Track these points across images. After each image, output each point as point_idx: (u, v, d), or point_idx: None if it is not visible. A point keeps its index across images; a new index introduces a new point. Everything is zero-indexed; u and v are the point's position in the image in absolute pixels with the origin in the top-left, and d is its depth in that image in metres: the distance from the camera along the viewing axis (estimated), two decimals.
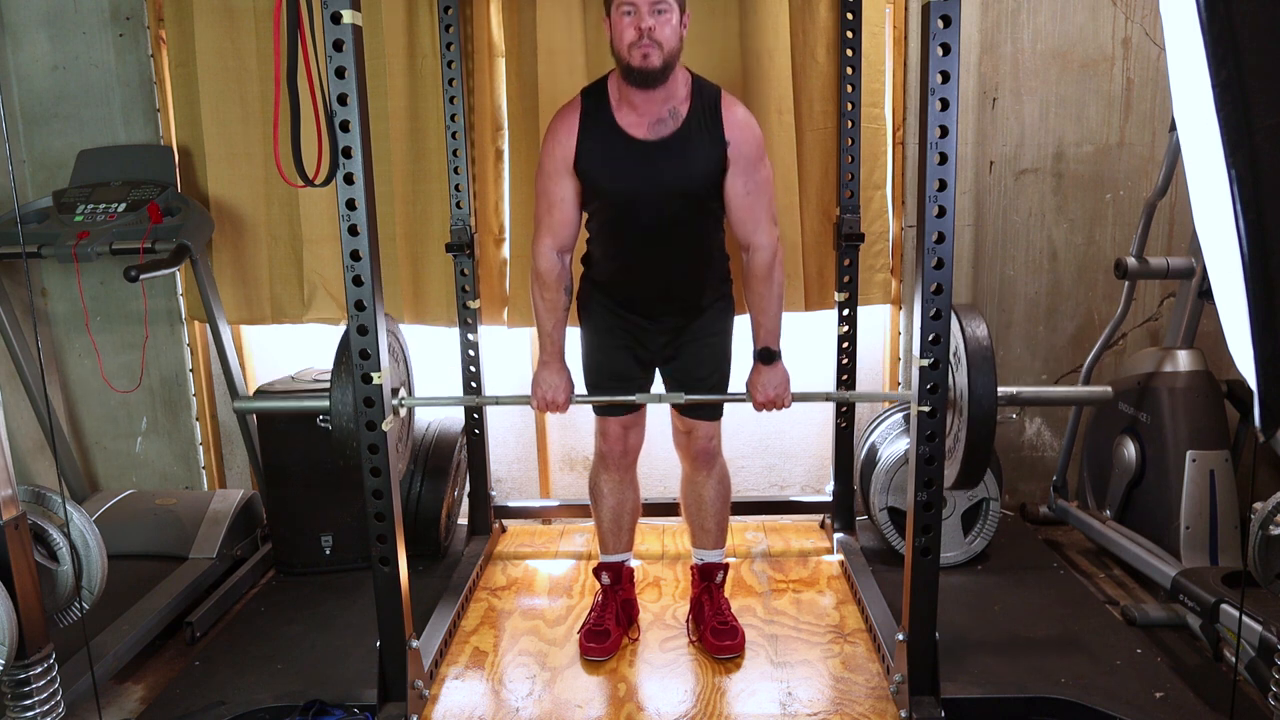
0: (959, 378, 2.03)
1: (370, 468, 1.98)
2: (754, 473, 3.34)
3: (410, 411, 2.30)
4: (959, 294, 3.13)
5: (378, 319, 1.91)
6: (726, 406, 2.42)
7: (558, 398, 2.26)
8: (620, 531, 2.50)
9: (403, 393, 2.16)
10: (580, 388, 2.36)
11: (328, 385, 2.76)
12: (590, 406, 2.42)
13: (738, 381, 2.38)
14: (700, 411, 2.37)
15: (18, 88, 3.09)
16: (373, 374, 1.92)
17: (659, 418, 2.53)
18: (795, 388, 2.87)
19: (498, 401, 2.50)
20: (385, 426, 1.95)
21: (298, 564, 2.87)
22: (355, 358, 1.92)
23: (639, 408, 2.41)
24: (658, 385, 2.47)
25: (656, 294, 2.30)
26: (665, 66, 2.03)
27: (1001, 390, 1.98)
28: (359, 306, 1.89)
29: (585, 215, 2.27)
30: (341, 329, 2.05)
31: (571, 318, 2.33)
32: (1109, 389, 2.12)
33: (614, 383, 2.35)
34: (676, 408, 2.41)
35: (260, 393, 2.82)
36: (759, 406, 2.25)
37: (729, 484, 2.50)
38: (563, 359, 2.29)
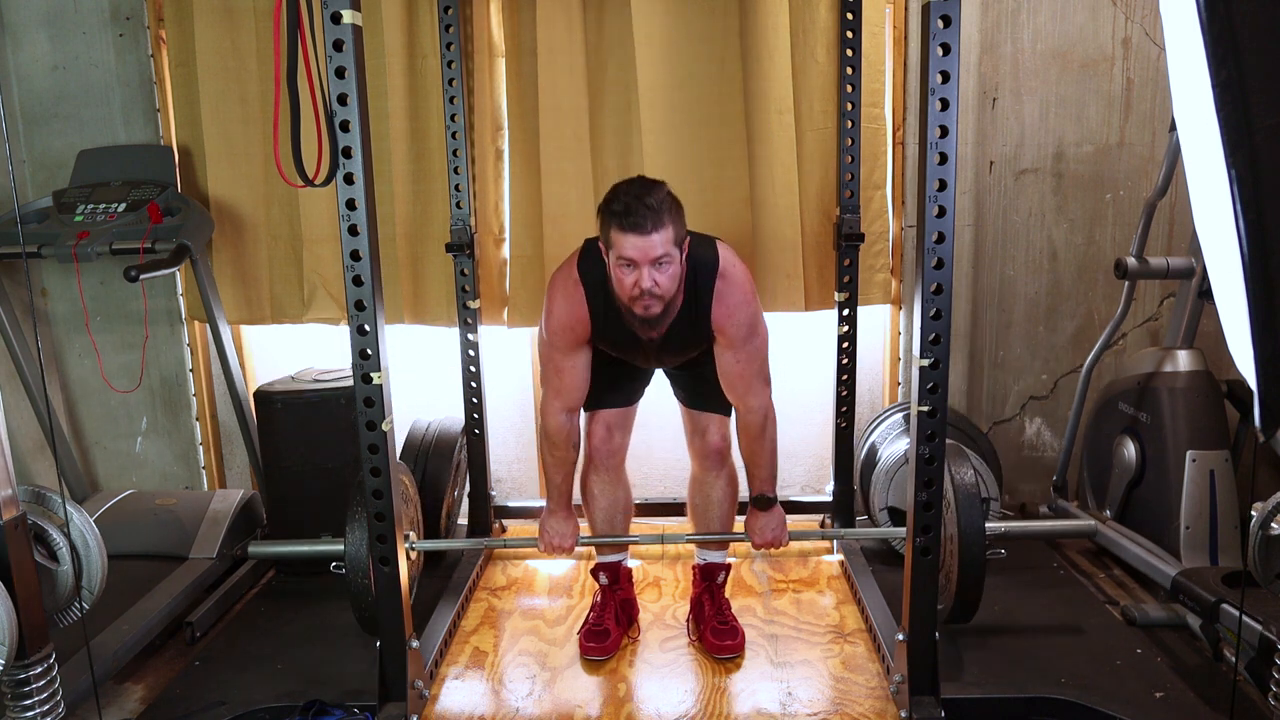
0: (948, 520, 2.14)
1: (370, 468, 1.98)
2: None
3: (420, 554, 2.47)
4: (959, 294, 3.13)
5: (378, 319, 1.91)
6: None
7: (565, 544, 2.36)
8: (614, 530, 2.50)
9: (412, 536, 2.28)
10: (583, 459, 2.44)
11: (328, 385, 2.80)
12: (584, 399, 2.42)
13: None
14: (710, 405, 2.39)
15: (18, 88, 3.10)
16: (372, 374, 1.92)
17: (659, 416, 2.53)
18: (795, 387, 2.89)
19: (505, 544, 2.75)
20: (385, 427, 1.95)
21: (298, 564, 2.87)
22: (355, 357, 1.92)
23: (628, 406, 2.44)
24: (659, 384, 2.48)
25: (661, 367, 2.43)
26: (666, 310, 2.06)
27: (989, 528, 2.11)
28: (359, 306, 1.89)
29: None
30: (343, 330, 2.06)
31: None
32: (1094, 523, 2.19)
33: (606, 379, 2.36)
34: (686, 405, 2.44)
35: (260, 393, 2.82)
36: (757, 548, 2.38)
37: (737, 484, 2.50)
38: (570, 507, 2.39)
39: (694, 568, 2.54)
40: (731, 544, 2.56)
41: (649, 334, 2.13)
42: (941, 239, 1.84)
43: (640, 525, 2.67)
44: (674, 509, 3.02)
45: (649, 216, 1.96)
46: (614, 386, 2.40)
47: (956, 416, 3.12)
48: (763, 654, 2.38)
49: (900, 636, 2.06)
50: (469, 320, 2.96)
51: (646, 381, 2.46)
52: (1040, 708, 2.07)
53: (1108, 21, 3.03)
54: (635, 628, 2.52)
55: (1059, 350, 3.25)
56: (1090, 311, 3.21)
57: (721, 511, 2.47)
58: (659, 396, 2.48)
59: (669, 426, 2.53)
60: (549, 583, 2.85)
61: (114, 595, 2.27)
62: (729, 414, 2.42)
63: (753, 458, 2.30)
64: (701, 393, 2.39)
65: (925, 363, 1.90)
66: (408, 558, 2.13)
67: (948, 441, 2.00)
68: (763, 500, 2.33)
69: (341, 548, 2.21)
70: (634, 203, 1.97)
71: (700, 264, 2.13)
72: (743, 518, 2.43)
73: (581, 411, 2.41)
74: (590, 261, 2.15)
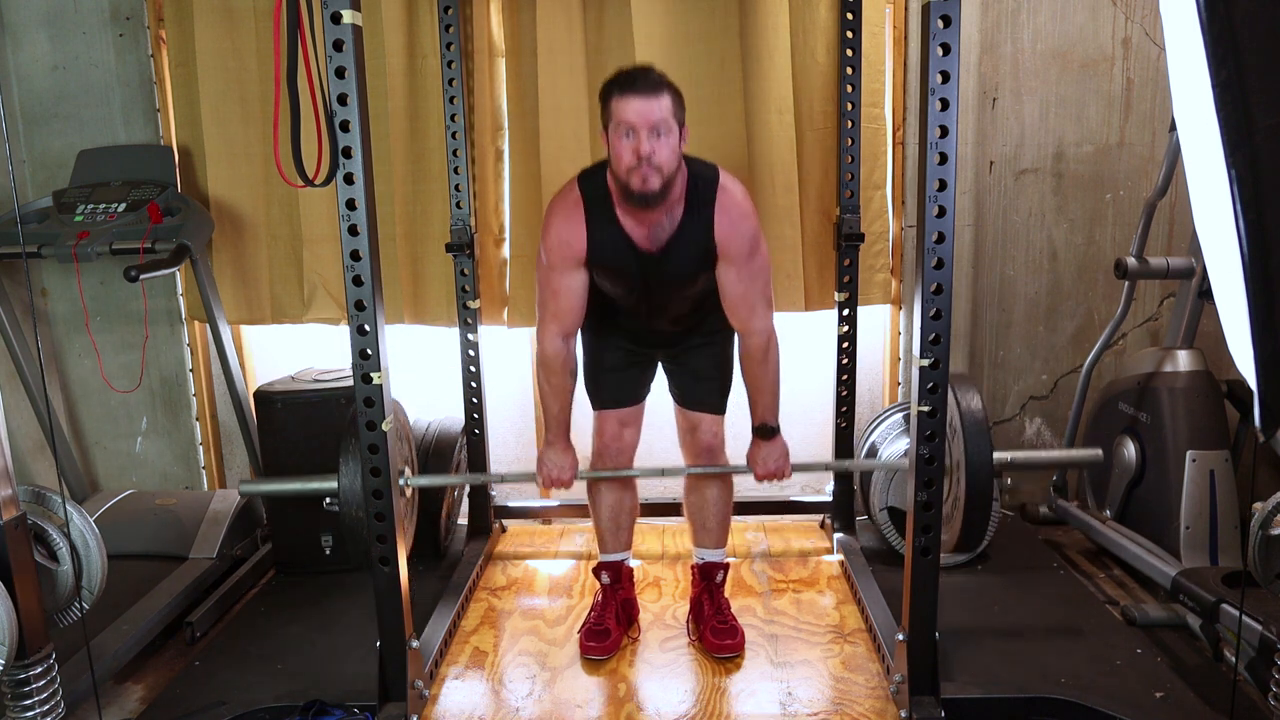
0: (955, 448, 2.08)
1: (370, 468, 1.98)
2: None
3: (415, 491, 2.35)
4: (959, 294, 3.13)
5: (378, 319, 1.91)
6: (728, 405, 2.43)
7: (563, 476, 2.31)
8: (619, 530, 2.51)
9: (407, 471, 2.20)
10: (585, 464, 2.41)
11: (328, 385, 2.80)
12: (589, 401, 2.44)
13: (740, 411, 2.41)
14: (704, 404, 2.39)
15: (18, 88, 3.10)
16: (372, 374, 1.92)
17: (659, 416, 2.53)
18: (795, 387, 2.88)
19: (504, 479, 2.58)
20: (385, 427, 1.96)
21: (298, 564, 2.87)
22: (355, 357, 1.92)
23: (637, 405, 2.43)
24: (659, 385, 2.48)
25: (659, 333, 2.36)
26: (664, 188, 2.02)
27: (997, 457, 2.03)
28: (359, 306, 1.89)
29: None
30: (343, 330, 2.06)
31: None
32: (1099, 451, 2.16)
33: (613, 375, 2.39)
34: (680, 403, 2.44)
35: (260, 393, 2.82)
36: (760, 479, 2.32)
37: (732, 482, 2.50)
38: (568, 439, 2.33)
39: (692, 567, 2.54)
40: (730, 543, 2.57)
41: (646, 239, 2.11)
42: (941, 239, 1.84)
43: (640, 525, 2.67)
44: (674, 509, 3.02)
45: (649, 82, 1.99)
46: (619, 383, 2.40)
47: None
48: (763, 654, 2.38)
49: (900, 636, 2.06)
50: (469, 320, 2.96)
51: (651, 375, 2.45)
52: (1040, 708, 2.07)
53: (1108, 21, 3.03)
54: (635, 628, 2.52)
55: (1059, 350, 3.25)
56: (1090, 311, 3.21)
57: (718, 510, 2.47)
58: (659, 396, 2.48)
59: (670, 426, 2.53)
60: (549, 583, 2.85)
61: (114, 595, 2.27)
62: (722, 413, 2.42)
63: (755, 384, 2.26)
64: (696, 390, 2.40)
65: (925, 363, 1.90)
66: (402, 494, 2.09)
67: (954, 371, 1.98)
68: (765, 430, 2.28)
69: (334, 484, 2.09)
70: (634, 71, 2.02)
71: (700, 176, 2.12)
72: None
73: (594, 415, 2.42)
74: (592, 178, 2.15)
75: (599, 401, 2.43)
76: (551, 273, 2.18)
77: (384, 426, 1.95)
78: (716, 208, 2.11)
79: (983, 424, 2.04)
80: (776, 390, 2.27)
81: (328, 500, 2.12)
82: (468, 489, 3.14)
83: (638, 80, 1.99)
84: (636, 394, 2.44)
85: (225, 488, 3.37)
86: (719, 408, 2.42)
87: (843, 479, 3.04)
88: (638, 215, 2.09)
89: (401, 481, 2.12)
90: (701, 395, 2.40)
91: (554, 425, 2.31)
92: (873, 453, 2.96)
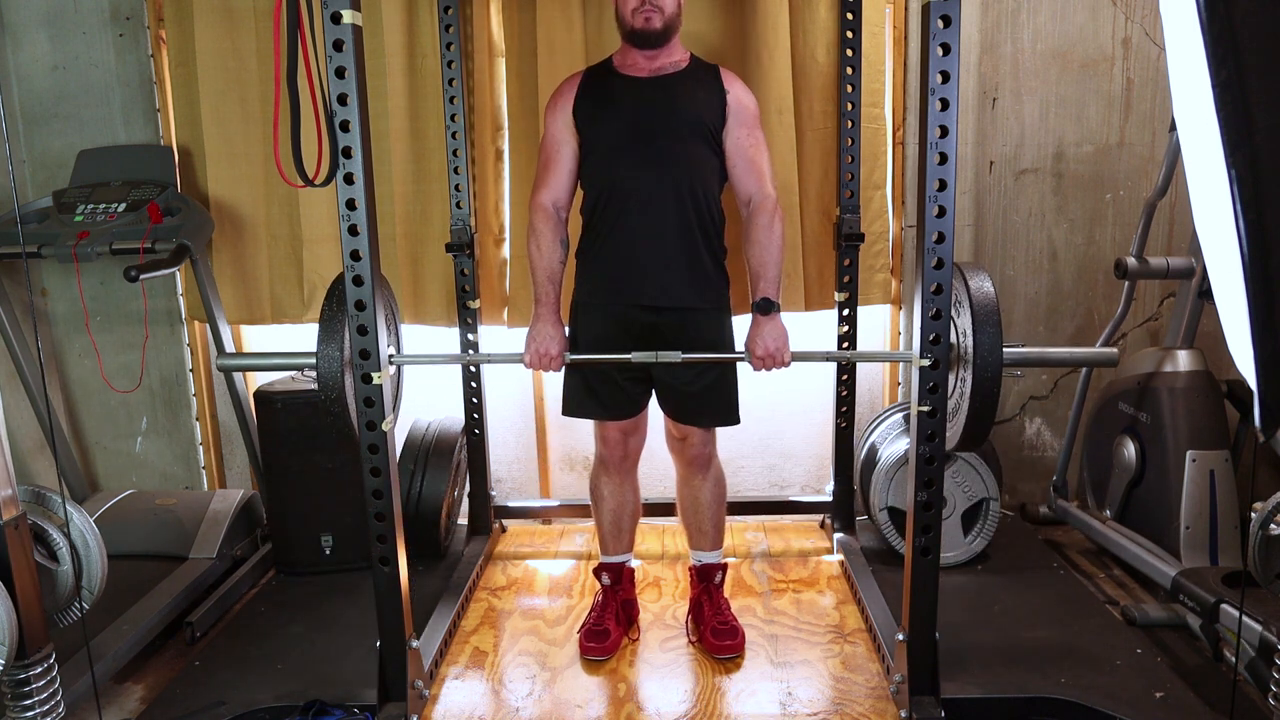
0: (963, 327, 1.95)
1: (370, 468, 1.98)
2: (754, 473, 3.34)
3: (399, 369, 2.22)
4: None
5: (378, 319, 1.91)
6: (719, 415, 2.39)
7: (551, 349, 2.18)
8: (620, 533, 2.50)
9: (393, 350, 2.10)
10: (586, 439, 2.35)
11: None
12: (570, 195, 2.35)
13: (743, 389, 2.39)
14: (695, 419, 2.35)
15: (18, 88, 3.09)
16: (372, 374, 1.92)
17: (660, 417, 2.52)
18: (795, 387, 2.86)
19: (489, 359, 2.53)
20: (385, 427, 1.95)
21: (298, 564, 2.87)
22: (355, 358, 1.92)
23: (638, 414, 2.39)
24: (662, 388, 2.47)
25: (655, 259, 2.22)
26: (666, 29, 2.18)
27: (1007, 351, 1.92)
28: (359, 306, 1.89)
29: (582, 195, 2.31)
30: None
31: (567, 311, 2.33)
32: (1114, 351, 2.08)
33: (608, 390, 2.33)
34: (671, 417, 2.38)
35: (260, 393, 2.82)
36: (758, 363, 2.16)
37: (725, 485, 2.49)
38: (557, 313, 2.24)
39: (690, 569, 2.54)
40: (726, 544, 2.56)
41: (649, 71, 2.23)
42: (941, 239, 1.84)
43: (640, 525, 2.66)
44: (674, 509, 3.01)
45: None
46: (616, 398, 2.33)
47: None
48: (763, 654, 2.38)
49: (900, 636, 2.06)
50: (469, 320, 2.96)
51: (648, 390, 2.37)
52: (1040, 708, 2.07)
53: (1108, 21, 3.03)
54: (635, 628, 2.52)
55: None
56: (1090, 311, 3.21)
57: (712, 512, 2.46)
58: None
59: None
60: (549, 583, 2.85)
61: (114, 595, 2.27)
62: (712, 428, 2.39)
63: (761, 256, 2.19)
64: (687, 407, 2.33)
65: (925, 363, 1.90)
66: (387, 372, 2.00)
67: (962, 262, 1.94)
68: (766, 304, 2.17)
69: (313, 360, 1.96)
70: None
71: (703, 61, 2.31)
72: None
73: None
74: (596, 64, 2.35)
75: (600, 414, 2.37)
76: (545, 138, 2.30)
77: (384, 427, 1.95)
78: (722, 72, 2.28)
79: (993, 312, 1.91)
80: (779, 263, 2.23)
81: (305, 370, 2.07)
82: (468, 489, 3.14)
83: None
84: (634, 407, 2.37)
85: (225, 488, 3.37)
86: (709, 423, 2.38)
87: (843, 479, 3.04)
88: (641, 61, 2.24)
89: (386, 357, 1.98)
90: (692, 409, 2.33)
91: (542, 295, 2.23)
92: (873, 453, 2.96)
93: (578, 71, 2.34)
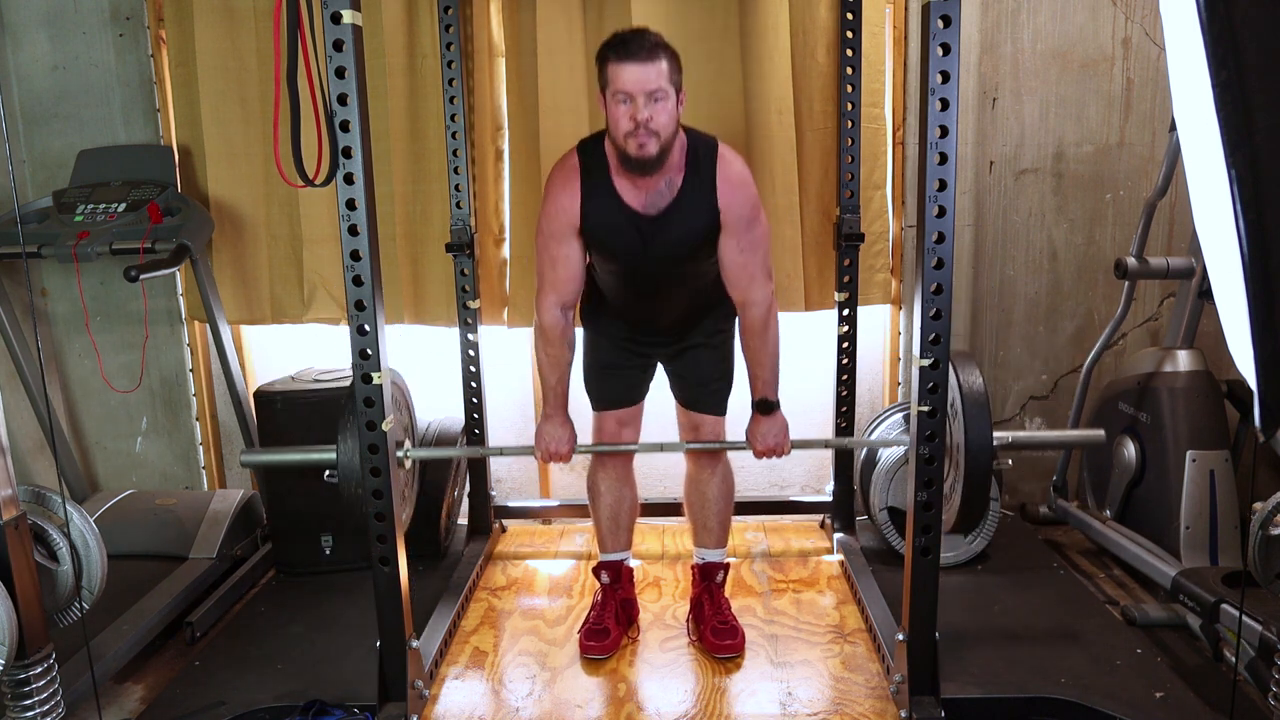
0: (955, 429, 2.04)
1: (370, 468, 1.98)
2: (754, 473, 3.34)
3: (416, 463, 2.32)
4: (959, 294, 3.13)
5: (378, 319, 1.91)
6: (730, 398, 2.44)
7: (561, 449, 2.27)
8: (619, 530, 2.50)
9: (408, 444, 2.18)
10: (585, 436, 2.38)
11: (328, 385, 2.80)
12: (589, 403, 2.44)
13: (740, 388, 2.41)
14: (706, 406, 2.38)
15: (18, 88, 3.10)
16: (372, 374, 1.92)
17: (660, 417, 2.53)
18: (795, 387, 2.86)
19: (502, 453, 2.54)
20: (385, 427, 1.95)
21: (298, 564, 2.87)
22: (355, 357, 1.92)
23: (636, 404, 2.43)
24: (660, 387, 2.48)
25: (658, 327, 2.35)
26: (662, 153, 2.01)
27: (997, 436, 1.99)
28: (359, 306, 1.89)
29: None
30: (343, 330, 2.04)
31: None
32: (1100, 433, 2.14)
33: (611, 375, 2.38)
34: (682, 404, 2.43)
35: (260, 393, 2.81)
36: (759, 455, 2.27)
37: (732, 482, 2.50)
38: (566, 412, 2.30)
39: (693, 568, 2.54)
40: (730, 543, 2.57)
41: (644, 205, 2.09)
42: (941, 239, 1.84)
43: (640, 525, 2.67)
44: (674, 509, 3.02)
45: (645, 47, 1.96)
46: (617, 384, 2.40)
47: None
48: (763, 654, 2.38)
49: (900, 636, 2.06)
50: (469, 320, 2.96)
51: (650, 376, 2.45)
52: (1040, 708, 2.07)
53: (1108, 21, 3.03)
54: (635, 627, 2.52)
55: (1059, 350, 3.25)
56: (1090, 311, 3.21)
57: (718, 509, 2.47)
58: (659, 397, 2.48)
59: (669, 427, 2.53)
60: (549, 583, 2.85)
61: (114, 595, 2.27)
62: (723, 414, 2.42)
63: (755, 358, 2.23)
64: (698, 392, 2.40)
65: (925, 363, 1.90)
66: (401, 466, 2.08)
67: (955, 350, 1.96)
68: (765, 405, 2.25)
69: (333, 456, 2.05)
70: (631, 36, 1.99)
71: (699, 146, 2.11)
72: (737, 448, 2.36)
73: (592, 416, 2.43)
74: (591, 145, 2.14)
75: (597, 402, 2.43)
76: (550, 240, 2.16)
77: (384, 427, 1.95)
78: (717, 176, 2.09)
79: (983, 402, 2.00)
80: (776, 364, 2.25)
81: (328, 473, 2.11)
82: (468, 489, 3.14)
83: (632, 44, 1.97)
84: (635, 395, 2.43)
85: (225, 488, 3.37)
86: (721, 409, 2.41)
87: (843, 479, 3.04)
88: (636, 181, 2.08)
89: (400, 453, 2.09)
90: (703, 397, 2.40)
91: (552, 398, 2.28)
92: (873, 453, 2.96)
93: (572, 164, 2.13)
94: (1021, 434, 2.12)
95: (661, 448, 2.38)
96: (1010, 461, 2.20)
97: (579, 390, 2.38)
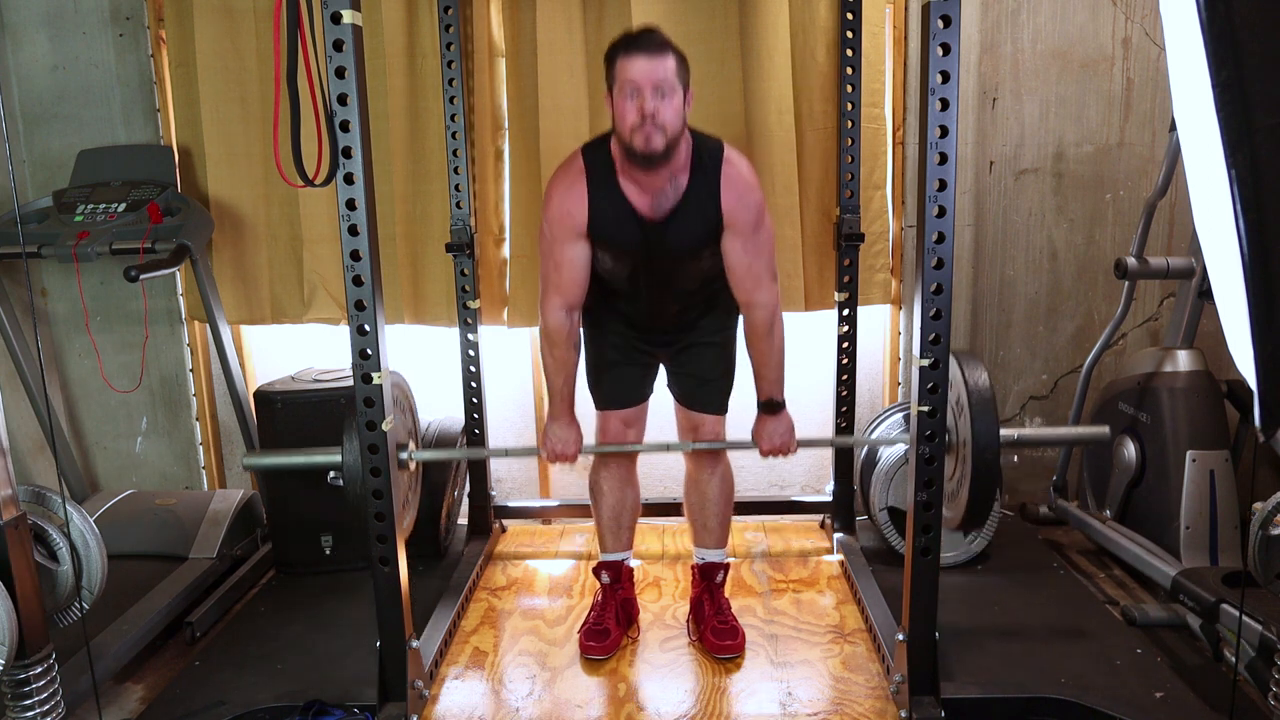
0: (961, 425, 2.03)
1: (370, 468, 1.98)
2: (754, 473, 3.34)
3: (419, 465, 2.31)
4: (959, 294, 3.13)
5: (378, 319, 1.91)
6: (730, 399, 2.44)
7: (567, 450, 2.29)
8: (620, 530, 2.50)
9: (412, 446, 2.18)
10: (589, 437, 2.39)
11: (328, 385, 2.80)
12: (593, 404, 2.44)
13: (740, 391, 2.40)
14: (706, 405, 2.38)
15: (18, 88, 3.10)
16: (372, 374, 1.92)
17: (660, 417, 2.53)
18: (795, 387, 2.86)
19: (507, 454, 2.53)
20: (385, 427, 1.96)
21: (298, 564, 2.87)
22: (355, 357, 1.92)
23: (640, 404, 2.43)
24: (660, 387, 2.48)
25: (661, 325, 2.36)
26: (668, 148, 2.01)
27: (1003, 434, 1.98)
28: (359, 306, 1.89)
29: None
30: (343, 330, 2.04)
31: None
32: (1105, 429, 2.13)
33: (615, 374, 2.38)
34: (682, 403, 2.43)
35: (260, 393, 2.81)
36: (765, 454, 2.30)
37: (732, 482, 2.50)
38: (572, 413, 2.31)
39: (693, 568, 2.54)
40: (730, 543, 2.57)
41: (650, 207, 2.10)
42: (941, 239, 1.84)
43: (640, 525, 2.66)
44: (674, 509, 3.01)
45: (653, 42, 2.00)
46: (621, 383, 2.39)
47: None
48: (763, 654, 2.38)
49: (900, 636, 2.06)
50: (469, 320, 2.96)
51: (653, 376, 2.45)
52: (1040, 708, 2.07)
53: (1108, 21, 3.03)
54: (635, 628, 2.52)
55: (1059, 350, 3.25)
56: (1090, 311, 3.21)
57: (718, 509, 2.47)
58: (659, 397, 2.48)
59: (670, 427, 2.53)
60: (549, 583, 2.85)
61: (114, 595, 2.27)
62: (723, 414, 2.42)
63: (761, 359, 2.25)
64: (698, 392, 2.40)
65: (925, 363, 1.90)
66: (405, 468, 2.08)
67: (959, 348, 1.97)
68: (771, 405, 2.28)
69: (337, 458, 2.05)
70: (640, 33, 2.04)
71: (705, 147, 2.12)
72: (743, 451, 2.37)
73: (596, 413, 2.42)
74: (596, 147, 2.16)
75: (601, 401, 2.43)
76: (554, 244, 2.17)
77: (384, 427, 1.95)
78: (722, 178, 2.10)
79: (989, 400, 1.98)
80: (782, 365, 2.26)
81: (331, 475, 2.10)
82: (468, 489, 3.14)
83: (641, 40, 2.00)
84: (639, 394, 2.43)
85: (225, 488, 3.37)
86: (721, 408, 2.42)
87: (843, 479, 3.04)
88: (641, 179, 2.08)
89: (405, 455, 2.09)
90: (704, 397, 2.40)
91: (557, 399, 2.30)
92: (873, 453, 2.96)
93: (577, 166, 2.14)
94: (1027, 431, 2.11)
95: (668, 448, 2.41)
96: (1016, 458, 2.20)
97: (585, 394, 2.38)
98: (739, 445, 2.36)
